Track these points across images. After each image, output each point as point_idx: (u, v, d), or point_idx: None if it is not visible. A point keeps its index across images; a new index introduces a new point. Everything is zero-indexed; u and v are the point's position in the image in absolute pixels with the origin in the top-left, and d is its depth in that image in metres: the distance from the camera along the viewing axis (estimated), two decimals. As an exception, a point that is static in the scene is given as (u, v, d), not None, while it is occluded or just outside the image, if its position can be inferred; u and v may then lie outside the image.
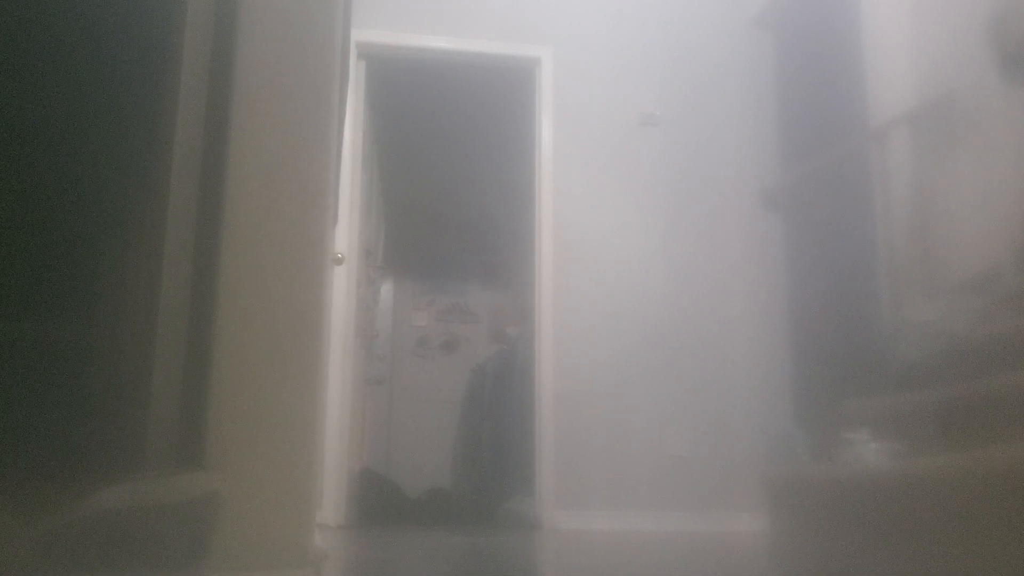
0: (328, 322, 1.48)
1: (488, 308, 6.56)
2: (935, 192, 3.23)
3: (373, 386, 5.98)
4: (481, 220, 6.55)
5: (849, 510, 2.22)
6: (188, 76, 1.25)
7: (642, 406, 4.07)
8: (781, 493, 2.73)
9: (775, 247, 4.28)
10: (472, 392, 5.79)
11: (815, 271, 3.96)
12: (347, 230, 3.97)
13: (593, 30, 4.46)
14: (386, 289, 6.75)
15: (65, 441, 1.07)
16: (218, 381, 1.19)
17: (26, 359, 1.09)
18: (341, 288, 3.89)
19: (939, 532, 1.85)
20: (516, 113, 4.83)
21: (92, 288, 1.18)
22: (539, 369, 4.08)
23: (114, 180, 1.20)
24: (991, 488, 1.73)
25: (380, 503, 4.80)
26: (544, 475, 3.94)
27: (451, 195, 6.46)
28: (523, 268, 4.54)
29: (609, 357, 4.11)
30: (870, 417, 2.46)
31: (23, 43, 1.15)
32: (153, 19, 1.25)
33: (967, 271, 2.90)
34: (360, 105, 4.19)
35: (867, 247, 3.48)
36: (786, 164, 4.27)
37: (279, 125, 1.28)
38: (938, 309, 2.64)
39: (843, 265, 3.71)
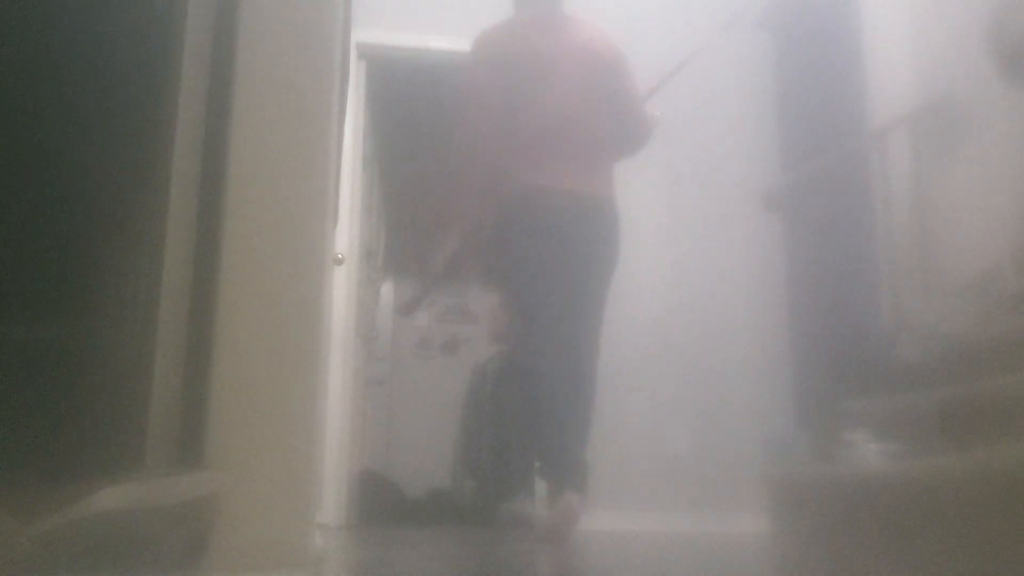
0: (328, 323, 1.48)
1: (489, 309, 6.56)
2: (935, 193, 3.23)
3: (374, 387, 5.98)
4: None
5: (849, 511, 2.22)
6: (188, 76, 1.25)
7: (642, 406, 4.07)
8: (781, 493, 2.73)
9: (775, 248, 4.28)
10: (473, 393, 5.79)
11: (815, 271, 3.96)
12: (347, 230, 3.97)
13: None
14: (386, 289, 6.75)
15: (65, 441, 1.07)
16: (218, 381, 1.19)
17: (26, 359, 1.09)
18: (341, 289, 3.89)
19: (939, 533, 1.85)
20: (516, 113, 4.82)
21: (92, 288, 1.18)
22: (539, 369, 4.08)
23: (114, 180, 1.20)
24: (991, 488, 1.73)
25: (380, 503, 4.80)
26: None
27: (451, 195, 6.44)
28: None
29: (609, 356, 4.11)
30: (870, 418, 2.46)
31: (22, 42, 1.15)
32: (153, 19, 1.25)
33: (967, 272, 2.90)
34: (360, 105, 4.19)
35: (867, 248, 3.48)
36: (786, 165, 4.27)
37: (279, 125, 1.28)
38: (938, 310, 2.64)
39: (843, 266, 3.71)
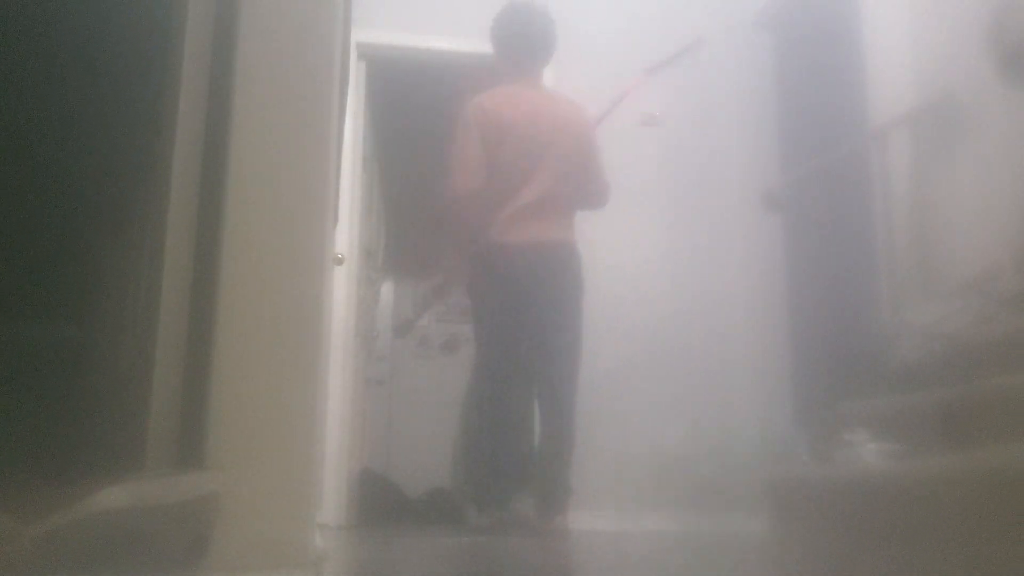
0: (328, 322, 1.48)
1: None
2: (935, 193, 3.23)
3: (373, 386, 5.98)
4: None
5: (848, 511, 2.22)
6: (188, 76, 1.25)
7: (642, 406, 4.07)
8: (781, 493, 2.73)
9: (775, 248, 4.29)
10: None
11: (815, 272, 3.96)
12: (347, 230, 3.97)
13: (593, 30, 4.46)
14: (386, 289, 6.75)
15: (65, 441, 1.07)
16: (218, 381, 1.19)
17: (26, 360, 1.09)
18: (341, 288, 3.89)
19: (939, 533, 1.85)
20: (516, 113, 4.82)
21: (92, 289, 1.18)
22: (539, 369, 4.07)
23: (114, 180, 1.20)
24: (991, 488, 1.73)
25: (380, 503, 4.80)
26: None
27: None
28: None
29: (609, 356, 4.11)
30: (870, 418, 2.46)
31: (23, 43, 1.15)
32: (153, 19, 1.25)
33: (967, 272, 2.90)
34: (360, 105, 4.19)
35: (867, 248, 3.48)
36: (786, 165, 4.27)
37: (279, 125, 1.28)
38: (938, 310, 2.64)
39: (843, 266, 3.71)
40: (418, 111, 5.70)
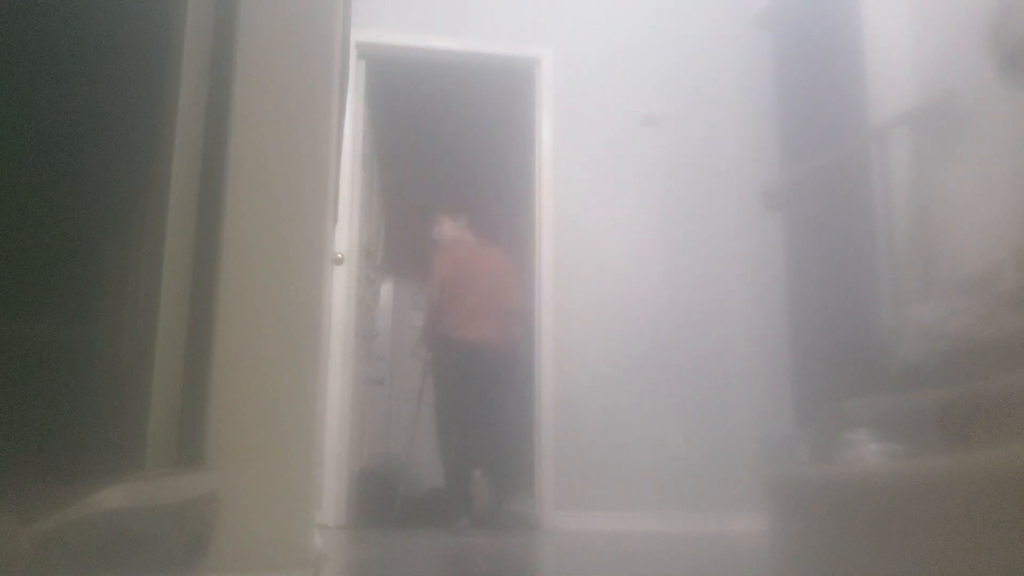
0: (328, 322, 1.48)
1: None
2: (935, 192, 3.23)
3: (373, 386, 5.97)
4: (481, 220, 6.53)
5: (849, 510, 2.22)
6: (188, 76, 1.25)
7: (642, 406, 4.07)
8: (781, 493, 2.73)
9: (775, 247, 4.28)
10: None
11: (815, 271, 3.96)
12: (347, 230, 3.97)
13: (593, 30, 4.46)
14: (386, 289, 6.75)
15: (65, 441, 1.07)
16: (218, 381, 1.19)
17: (27, 359, 1.09)
18: (341, 288, 3.89)
19: (939, 532, 1.85)
20: (516, 113, 4.83)
21: (93, 289, 1.18)
22: (539, 369, 4.08)
23: (114, 180, 1.20)
24: (991, 488, 1.73)
25: (380, 503, 4.80)
26: (544, 475, 3.94)
27: (451, 195, 6.44)
28: (523, 267, 4.55)
29: (609, 356, 4.11)
30: (870, 417, 2.46)
31: (24, 43, 1.15)
32: (153, 19, 1.25)
33: (967, 271, 2.90)
34: (360, 105, 4.19)
35: (867, 247, 3.48)
36: (786, 164, 4.27)
37: (279, 125, 1.28)
38: (938, 309, 2.64)
39: (843, 265, 3.71)
40: (418, 111, 5.70)
